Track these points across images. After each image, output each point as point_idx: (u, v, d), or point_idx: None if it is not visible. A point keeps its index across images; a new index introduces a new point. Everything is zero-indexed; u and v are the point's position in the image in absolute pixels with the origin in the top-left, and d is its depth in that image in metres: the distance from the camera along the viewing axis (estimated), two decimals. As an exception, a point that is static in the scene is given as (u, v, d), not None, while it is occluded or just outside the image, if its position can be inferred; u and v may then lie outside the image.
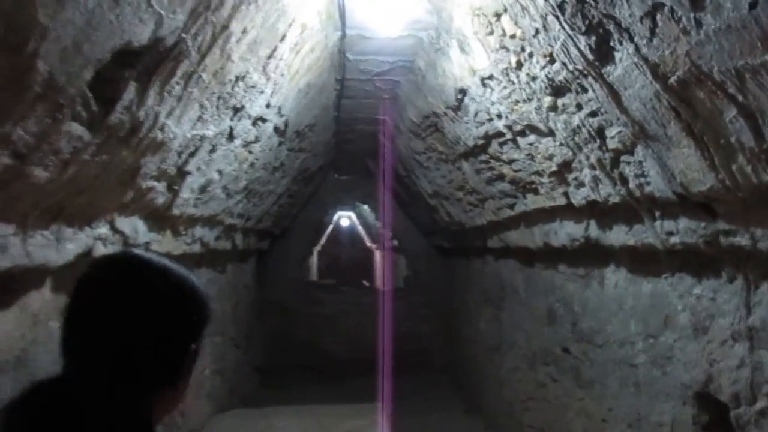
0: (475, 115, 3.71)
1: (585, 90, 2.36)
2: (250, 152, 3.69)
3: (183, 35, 1.86)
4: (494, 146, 3.75)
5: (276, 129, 3.92)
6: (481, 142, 3.91)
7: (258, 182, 4.53)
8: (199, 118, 2.49)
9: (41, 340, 2.25)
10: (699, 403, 2.44)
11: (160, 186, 2.68)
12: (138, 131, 2.02)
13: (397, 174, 7.20)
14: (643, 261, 2.88)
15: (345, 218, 12.71)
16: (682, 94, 1.78)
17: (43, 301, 2.29)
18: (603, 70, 2.10)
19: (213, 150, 2.99)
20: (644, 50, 1.83)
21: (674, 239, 2.39)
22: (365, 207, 9.78)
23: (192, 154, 2.73)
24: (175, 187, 2.86)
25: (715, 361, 2.31)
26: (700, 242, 2.21)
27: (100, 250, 2.43)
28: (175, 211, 3.07)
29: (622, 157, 2.43)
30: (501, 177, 4.02)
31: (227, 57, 2.33)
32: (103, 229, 2.47)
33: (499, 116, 3.37)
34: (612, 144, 2.42)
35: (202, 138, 2.70)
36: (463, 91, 3.67)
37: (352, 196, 9.30)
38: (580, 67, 2.26)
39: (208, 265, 4.98)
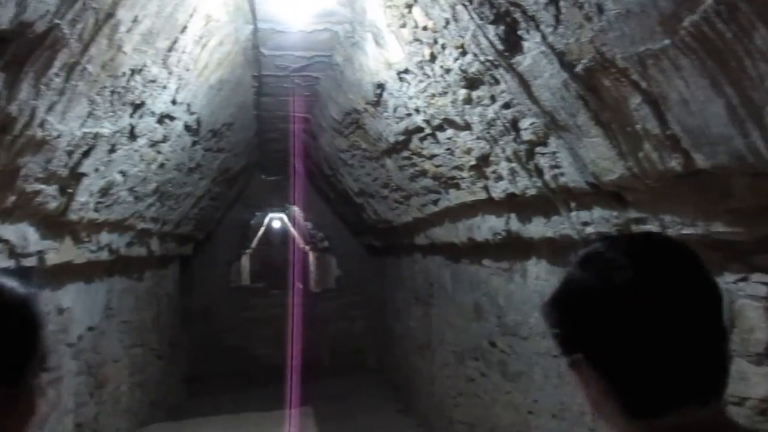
0: (395, 110, 3.64)
1: (497, 81, 2.32)
2: (158, 152, 3.47)
3: (57, 21, 1.67)
4: (415, 142, 3.69)
5: (187, 127, 3.71)
6: (402, 137, 3.85)
7: (171, 184, 4.29)
8: (90, 115, 2.28)
9: None
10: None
11: (50, 189, 2.44)
12: (11, 128, 1.81)
13: (323, 173, 7.06)
14: (562, 252, 2.89)
15: (277, 220, 12.44)
16: (589, 82, 1.76)
17: None
18: (513, 61, 2.06)
19: (112, 150, 2.77)
20: (551, 38, 1.79)
21: (589, 229, 2.38)
22: (295, 208, 9.57)
23: (86, 154, 2.50)
24: (70, 190, 2.63)
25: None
26: (613, 231, 2.22)
27: (-20, 261, 2.20)
28: (73, 216, 2.83)
29: (537, 149, 2.41)
30: (423, 173, 3.97)
31: (117, 48, 2.14)
32: (-17, 239, 2.23)
33: (418, 111, 3.31)
34: (526, 135, 2.39)
35: (97, 136, 2.48)
36: (381, 86, 3.59)
37: (280, 197, 9.09)
38: (491, 57, 2.21)
39: (121, 273, 4.69)
